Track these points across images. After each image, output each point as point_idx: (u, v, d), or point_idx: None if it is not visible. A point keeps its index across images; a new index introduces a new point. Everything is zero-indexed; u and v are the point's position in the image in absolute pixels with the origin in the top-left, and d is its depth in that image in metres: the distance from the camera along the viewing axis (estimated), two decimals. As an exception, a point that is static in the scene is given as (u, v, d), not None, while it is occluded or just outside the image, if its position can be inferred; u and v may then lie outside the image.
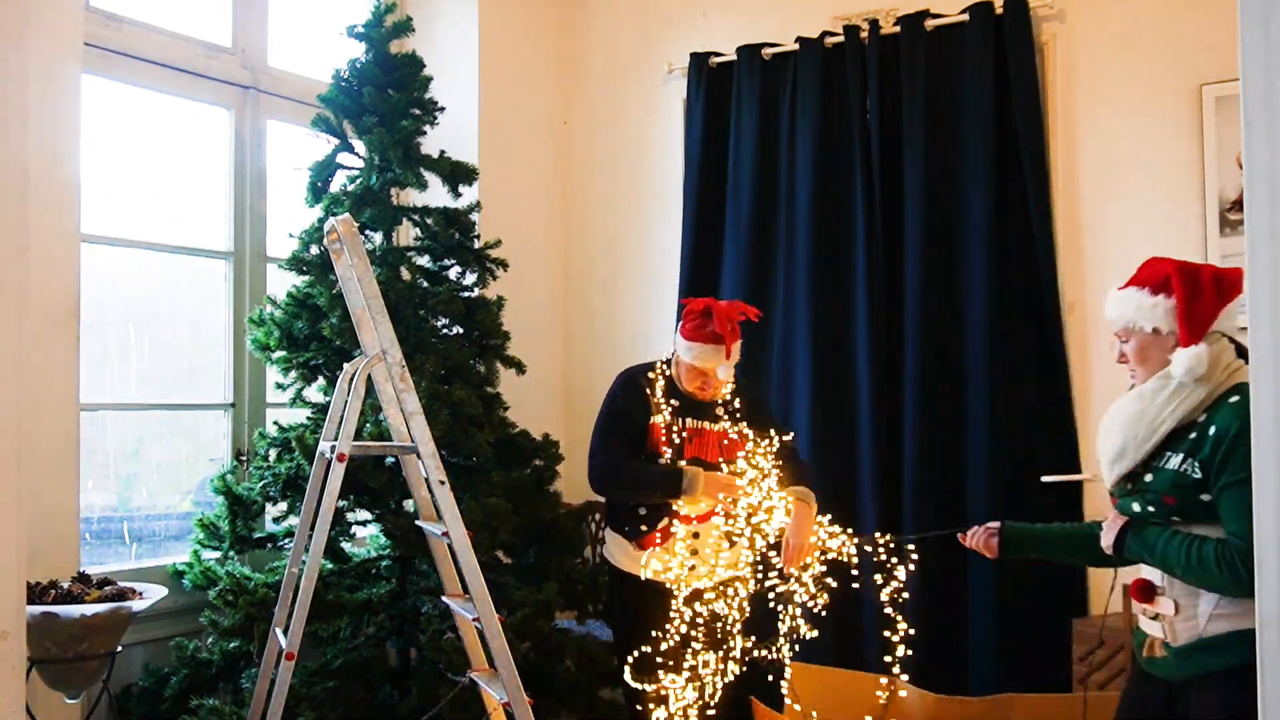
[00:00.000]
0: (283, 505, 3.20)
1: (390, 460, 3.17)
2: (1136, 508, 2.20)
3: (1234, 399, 2.11)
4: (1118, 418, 2.31)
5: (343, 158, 3.45)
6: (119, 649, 2.75)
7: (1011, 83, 3.75)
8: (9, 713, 1.85)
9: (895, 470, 3.87)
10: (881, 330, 3.91)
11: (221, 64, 3.65)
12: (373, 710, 3.11)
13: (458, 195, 3.54)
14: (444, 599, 2.68)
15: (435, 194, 3.52)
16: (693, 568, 2.87)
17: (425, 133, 3.49)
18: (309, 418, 3.26)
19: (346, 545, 3.30)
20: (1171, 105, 3.64)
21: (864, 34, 3.98)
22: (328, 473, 2.46)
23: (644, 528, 2.94)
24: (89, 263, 3.16)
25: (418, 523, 2.72)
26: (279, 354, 3.29)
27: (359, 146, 3.43)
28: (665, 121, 4.50)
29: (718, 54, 4.30)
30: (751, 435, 2.94)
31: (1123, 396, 2.34)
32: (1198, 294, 2.19)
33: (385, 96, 3.40)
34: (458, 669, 2.80)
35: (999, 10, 3.78)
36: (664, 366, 3.02)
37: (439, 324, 3.43)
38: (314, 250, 3.33)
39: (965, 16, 3.84)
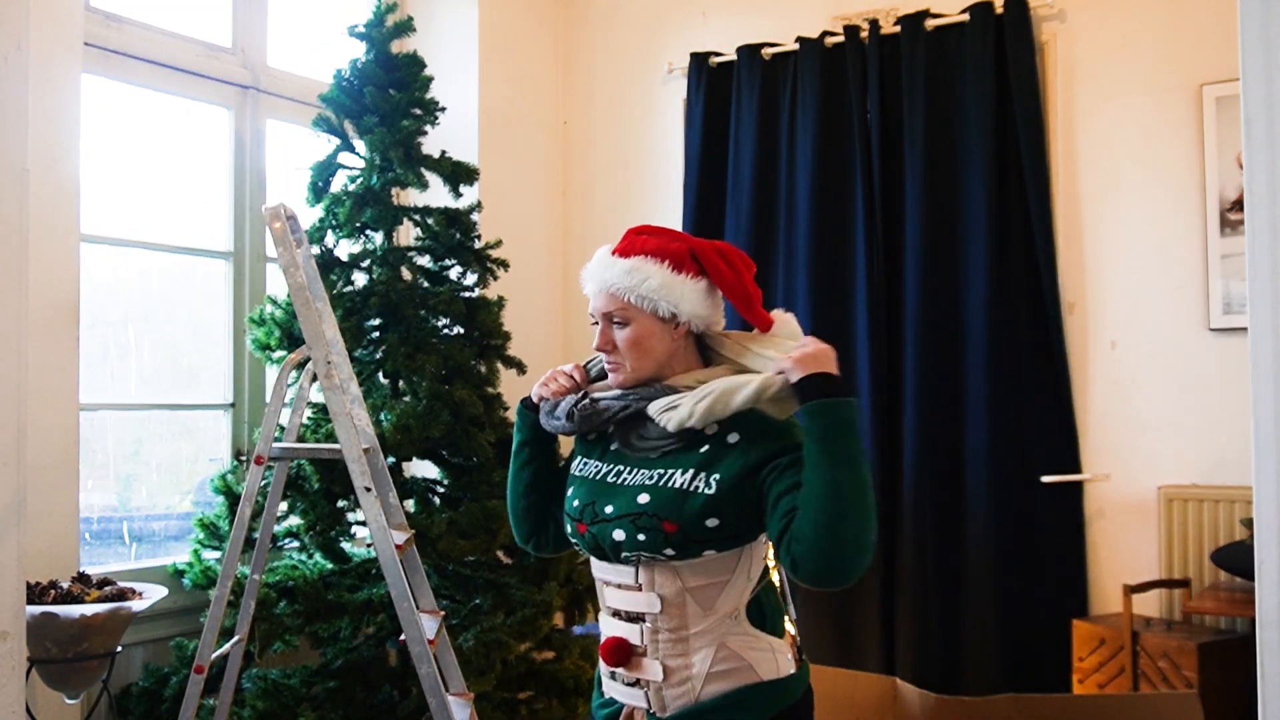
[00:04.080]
0: (283, 505, 3.20)
1: (390, 460, 3.17)
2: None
3: None
4: None
5: (343, 157, 3.45)
6: (119, 649, 2.75)
7: (1011, 82, 3.75)
8: (9, 713, 1.84)
9: (895, 470, 3.87)
10: (881, 330, 3.91)
11: (221, 64, 3.65)
12: (373, 710, 3.11)
13: (458, 195, 3.54)
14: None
15: (436, 194, 3.52)
16: None
17: (426, 133, 3.49)
18: (309, 418, 3.26)
19: (346, 545, 3.30)
20: (1171, 105, 3.64)
21: (864, 34, 3.98)
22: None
23: None
24: (89, 263, 3.16)
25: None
26: (279, 354, 3.29)
27: (360, 146, 3.43)
28: (665, 121, 4.50)
29: (718, 54, 4.30)
30: None
31: None
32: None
33: (386, 96, 3.40)
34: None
35: (999, 10, 3.78)
36: None
37: (440, 324, 3.43)
38: (314, 250, 3.33)
39: (965, 16, 3.84)
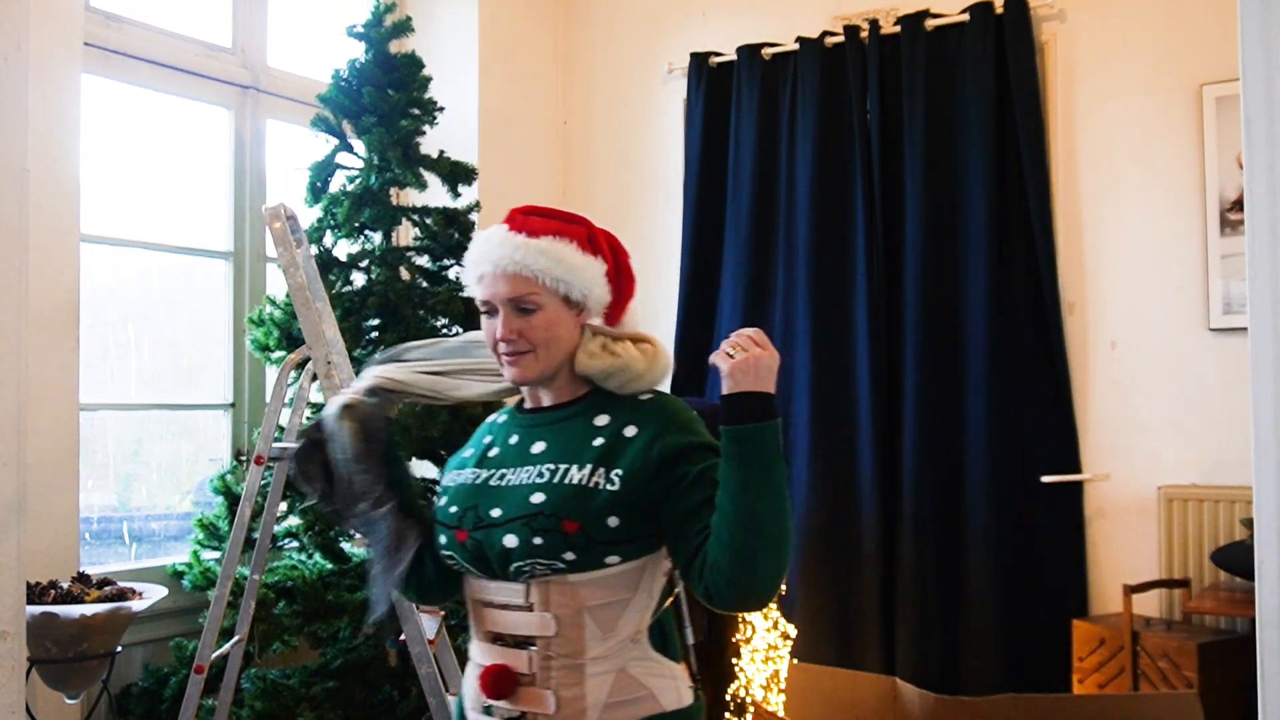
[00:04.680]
0: (283, 505, 3.20)
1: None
2: None
3: None
4: None
5: (342, 158, 3.45)
6: (119, 649, 2.75)
7: (1011, 82, 3.75)
8: (9, 713, 1.84)
9: (895, 469, 3.87)
10: (881, 330, 3.91)
11: (221, 64, 3.65)
12: (372, 710, 3.11)
13: (457, 195, 3.54)
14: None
15: (435, 194, 3.52)
16: None
17: (425, 133, 3.49)
18: (309, 418, 3.26)
19: (346, 545, 3.30)
20: (1171, 105, 3.64)
21: (864, 34, 3.98)
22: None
23: None
24: (89, 263, 3.16)
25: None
26: (279, 354, 3.29)
27: (358, 146, 3.43)
28: (665, 121, 4.50)
29: (718, 54, 4.30)
30: None
31: None
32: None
33: (385, 96, 3.40)
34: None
35: (999, 10, 3.78)
36: None
37: (438, 324, 3.43)
38: (313, 250, 3.33)
39: (965, 16, 3.84)
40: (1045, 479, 3.70)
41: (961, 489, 3.78)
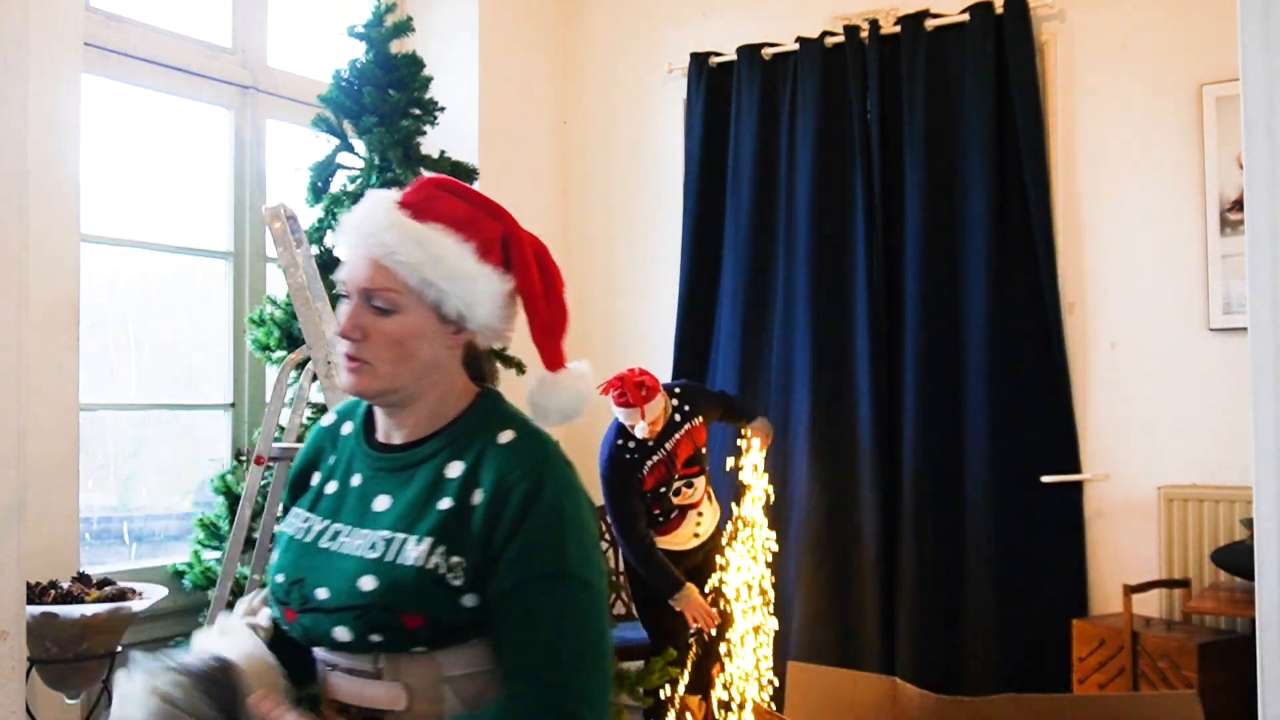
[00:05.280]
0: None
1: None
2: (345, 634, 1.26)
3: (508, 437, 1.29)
4: None
5: (343, 158, 3.45)
6: (119, 649, 2.75)
7: (1011, 83, 3.75)
8: (9, 713, 1.84)
9: (895, 470, 3.87)
10: (881, 330, 3.91)
11: (221, 64, 3.65)
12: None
13: (457, 195, 3.54)
14: None
15: (435, 194, 3.52)
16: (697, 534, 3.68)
17: (425, 133, 3.49)
18: (309, 418, 3.26)
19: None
20: (1171, 105, 3.64)
21: (864, 34, 3.98)
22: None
23: (661, 520, 3.60)
24: (89, 263, 3.16)
25: None
26: (279, 354, 3.28)
27: (359, 146, 3.43)
28: (665, 121, 4.50)
29: (718, 54, 4.30)
30: (705, 419, 3.64)
31: None
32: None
33: (385, 96, 3.40)
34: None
35: (999, 10, 3.78)
36: (622, 429, 3.49)
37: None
38: (314, 250, 3.33)
39: (965, 16, 3.84)
40: (1045, 479, 3.70)
41: (961, 489, 3.78)
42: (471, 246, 1.27)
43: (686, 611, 3.48)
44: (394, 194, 1.31)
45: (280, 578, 1.32)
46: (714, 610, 3.52)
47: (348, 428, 1.41)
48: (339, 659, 1.29)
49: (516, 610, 1.20)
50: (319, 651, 1.32)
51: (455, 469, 1.27)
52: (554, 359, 1.34)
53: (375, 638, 1.22)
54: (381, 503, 1.29)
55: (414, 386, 1.29)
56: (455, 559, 1.21)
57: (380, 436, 1.35)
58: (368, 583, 1.22)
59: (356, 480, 1.33)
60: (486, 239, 1.29)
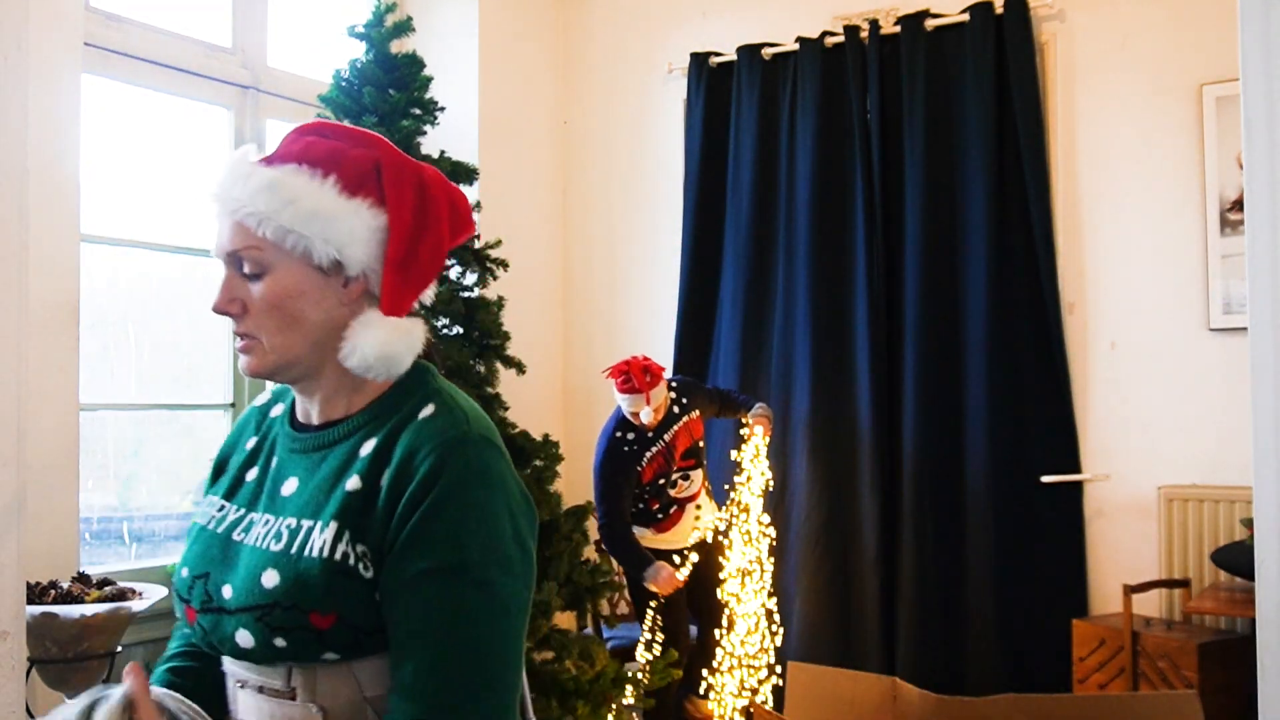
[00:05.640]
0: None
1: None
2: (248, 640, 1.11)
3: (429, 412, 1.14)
4: None
5: (343, 157, 3.45)
6: (119, 649, 2.75)
7: (1011, 83, 3.76)
8: (9, 713, 1.84)
9: (895, 470, 3.87)
10: (881, 330, 3.91)
11: (221, 64, 3.65)
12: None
13: (457, 195, 3.54)
14: None
15: (435, 194, 3.52)
16: (697, 529, 3.73)
17: (425, 133, 3.49)
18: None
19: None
20: (1171, 105, 3.64)
21: (864, 34, 3.98)
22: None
23: (660, 516, 3.68)
24: (89, 263, 3.16)
25: None
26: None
27: (359, 146, 3.43)
28: (665, 121, 4.50)
29: (718, 54, 4.30)
30: (701, 413, 3.73)
31: None
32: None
33: (385, 96, 3.40)
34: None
35: (999, 10, 3.78)
36: (622, 422, 3.59)
37: (439, 324, 3.43)
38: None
39: (965, 16, 3.84)
40: (1045, 479, 3.70)
41: (961, 489, 3.78)
42: (333, 181, 1.12)
43: (657, 584, 3.54)
44: (254, 149, 1.18)
45: (185, 571, 1.19)
46: (678, 575, 3.55)
47: (278, 409, 1.27)
48: (248, 674, 1.15)
49: (401, 610, 1.05)
50: (228, 664, 1.18)
51: (369, 447, 1.13)
52: (392, 302, 1.15)
53: (280, 642, 1.07)
54: (289, 486, 1.16)
55: (312, 355, 1.15)
56: (361, 546, 1.07)
57: (300, 417, 1.23)
58: (270, 578, 1.09)
59: (275, 462, 1.21)
60: (354, 172, 1.13)
